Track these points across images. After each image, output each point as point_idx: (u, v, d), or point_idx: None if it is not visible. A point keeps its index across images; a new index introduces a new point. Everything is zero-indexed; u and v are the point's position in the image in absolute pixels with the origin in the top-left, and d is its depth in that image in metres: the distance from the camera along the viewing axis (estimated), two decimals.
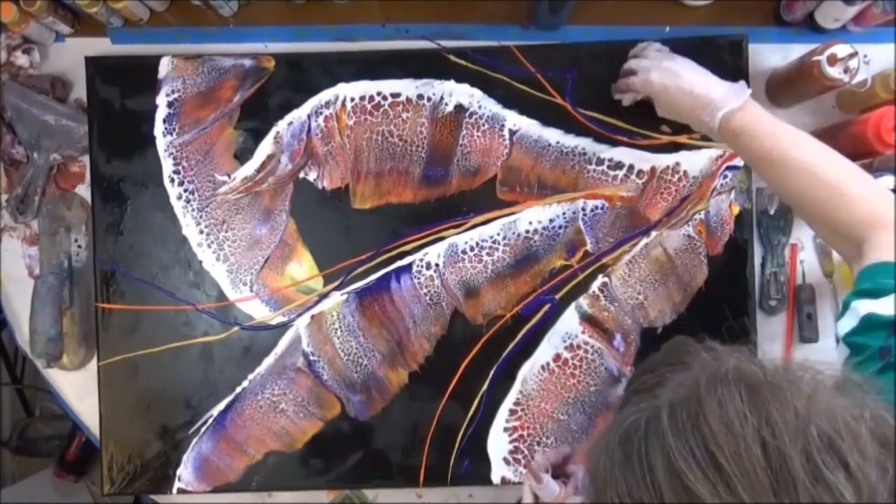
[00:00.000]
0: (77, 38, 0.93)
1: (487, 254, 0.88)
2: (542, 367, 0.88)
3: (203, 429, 0.89)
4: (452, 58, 0.88)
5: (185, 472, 0.89)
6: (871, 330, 0.50)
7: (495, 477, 0.88)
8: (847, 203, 0.59)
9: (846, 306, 0.53)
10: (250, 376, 0.89)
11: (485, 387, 0.88)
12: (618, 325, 0.88)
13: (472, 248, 0.88)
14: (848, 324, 0.52)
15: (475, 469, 0.88)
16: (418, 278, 0.88)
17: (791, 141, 0.64)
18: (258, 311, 0.89)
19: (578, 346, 0.88)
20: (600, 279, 0.88)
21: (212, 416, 0.89)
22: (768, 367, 0.40)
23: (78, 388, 0.93)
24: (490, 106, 0.88)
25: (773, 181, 0.67)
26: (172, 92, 0.89)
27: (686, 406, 0.38)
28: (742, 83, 0.70)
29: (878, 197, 0.59)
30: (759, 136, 0.65)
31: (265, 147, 0.89)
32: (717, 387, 0.38)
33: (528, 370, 0.88)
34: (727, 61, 0.88)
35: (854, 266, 0.57)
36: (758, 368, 0.39)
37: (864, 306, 0.50)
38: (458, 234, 0.88)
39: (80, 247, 0.92)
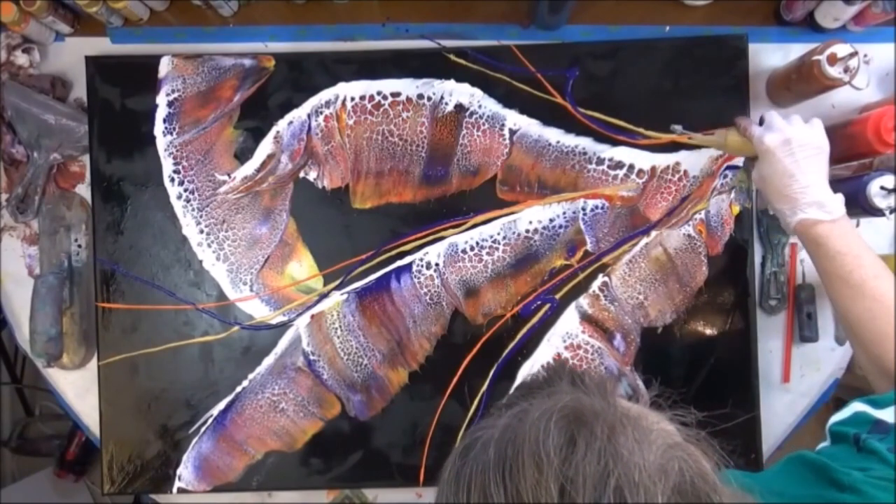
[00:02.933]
0: (77, 38, 0.93)
1: (487, 253, 0.88)
2: (543, 367, 0.88)
3: (203, 428, 0.89)
4: (452, 57, 0.88)
5: (185, 472, 0.89)
6: (857, 423, 0.51)
7: None
8: None
9: (847, 405, 0.54)
10: (250, 376, 0.89)
11: (485, 387, 0.88)
12: (618, 325, 0.88)
13: (472, 248, 0.88)
14: (839, 416, 0.53)
15: None
16: (418, 278, 0.88)
17: (874, 270, 0.64)
18: (258, 310, 0.89)
19: (578, 346, 0.88)
20: (600, 279, 0.88)
21: (212, 415, 0.89)
22: (619, 408, 0.39)
23: (78, 388, 0.93)
24: (490, 105, 0.88)
25: (840, 300, 0.66)
26: (172, 91, 0.89)
27: (512, 433, 0.38)
28: (841, 197, 0.69)
29: None
30: (842, 254, 0.65)
31: (265, 146, 0.89)
32: (545, 418, 0.37)
33: (529, 370, 0.88)
34: (727, 61, 0.88)
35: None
36: (599, 408, 0.38)
37: (861, 406, 0.51)
38: (458, 233, 0.88)
39: (80, 246, 0.92)
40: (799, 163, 0.70)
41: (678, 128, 0.80)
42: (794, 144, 0.70)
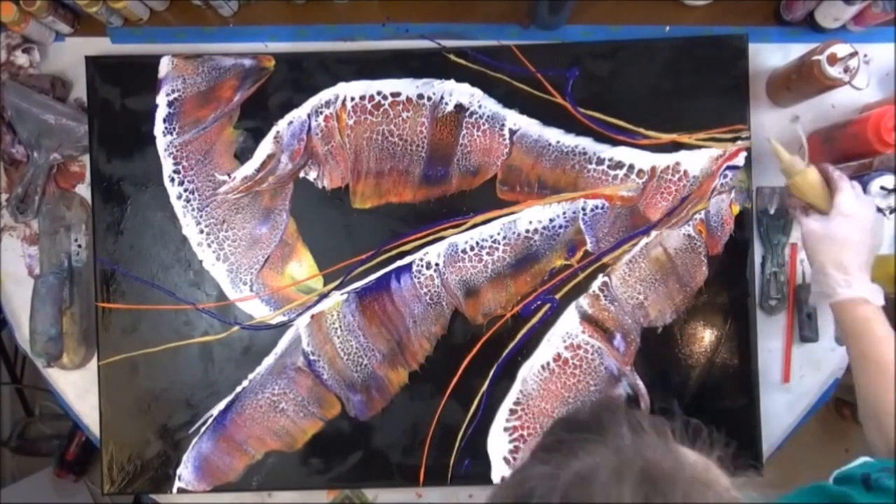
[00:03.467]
0: (77, 38, 0.93)
1: (487, 253, 0.88)
2: (543, 367, 0.88)
3: (203, 428, 0.89)
4: (452, 57, 0.88)
5: (185, 472, 0.89)
6: (864, 468, 0.51)
7: (495, 477, 0.88)
8: None
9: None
10: (250, 376, 0.89)
11: (485, 387, 0.88)
12: (618, 325, 0.88)
13: (472, 248, 0.88)
14: (846, 466, 0.53)
15: (475, 469, 0.88)
16: (418, 278, 0.88)
17: None
18: (258, 310, 0.89)
19: (578, 346, 0.88)
20: (600, 279, 0.88)
21: (212, 415, 0.89)
22: (686, 465, 0.38)
23: (78, 388, 0.93)
24: (490, 105, 0.88)
25: (876, 384, 0.65)
26: (172, 91, 0.89)
27: (581, 490, 0.37)
28: (879, 289, 0.69)
29: None
30: (886, 339, 0.66)
31: (265, 146, 0.89)
32: (616, 480, 0.36)
33: (528, 370, 0.88)
34: (727, 61, 0.88)
35: None
36: (669, 468, 0.38)
37: (869, 459, 0.52)
38: (458, 233, 0.88)
39: (80, 246, 0.92)
40: (870, 244, 0.70)
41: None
42: (877, 225, 0.71)
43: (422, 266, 0.88)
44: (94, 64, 0.90)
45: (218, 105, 0.89)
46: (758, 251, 0.90)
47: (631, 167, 0.88)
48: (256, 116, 0.89)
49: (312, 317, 0.89)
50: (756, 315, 0.88)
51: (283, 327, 0.89)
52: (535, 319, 0.88)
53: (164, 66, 0.89)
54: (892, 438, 0.63)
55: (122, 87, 0.89)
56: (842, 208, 0.71)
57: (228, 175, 0.89)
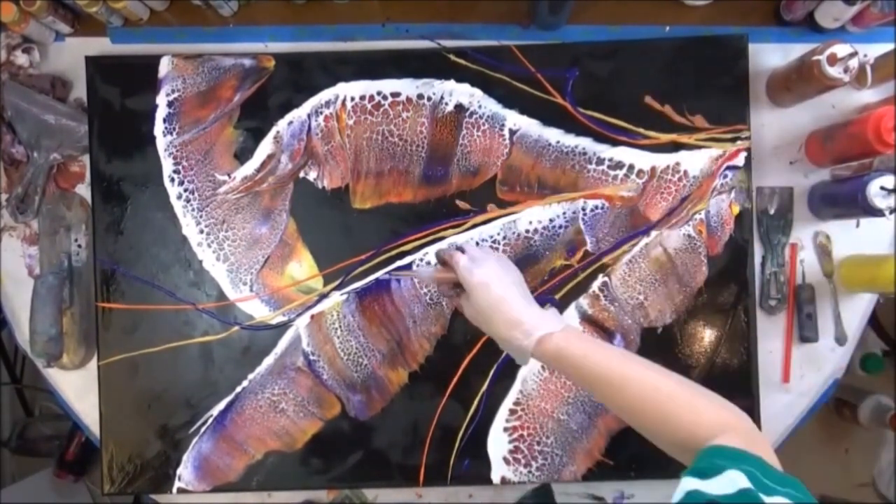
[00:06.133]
0: (77, 38, 0.93)
1: None
2: (543, 367, 0.88)
3: (203, 428, 0.89)
4: (452, 57, 0.88)
5: (185, 472, 0.89)
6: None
7: (495, 476, 0.88)
8: (691, 412, 0.58)
9: (680, 481, 0.50)
10: (250, 376, 0.89)
11: (485, 387, 0.88)
12: (618, 325, 0.88)
13: None
14: (675, 498, 0.49)
15: (475, 469, 0.88)
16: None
17: (621, 358, 0.63)
18: (258, 310, 0.89)
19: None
20: (600, 279, 0.88)
21: (212, 415, 0.89)
22: None
23: (78, 388, 0.93)
24: (490, 105, 0.88)
25: (610, 396, 0.62)
26: (172, 91, 0.89)
27: None
28: (554, 311, 0.69)
29: (724, 405, 0.59)
30: (590, 355, 0.62)
31: (265, 147, 0.89)
32: None
33: (528, 370, 0.88)
34: (727, 61, 0.88)
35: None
36: None
37: (691, 484, 0.48)
38: (457, 233, 0.88)
39: (80, 246, 0.92)
40: (511, 281, 0.69)
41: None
42: (502, 262, 0.71)
43: (422, 266, 0.88)
44: (94, 64, 0.90)
45: (218, 105, 0.89)
46: (758, 251, 0.90)
47: (631, 167, 0.88)
48: (256, 116, 0.89)
49: (312, 317, 0.89)
50: (756, 315, 0.88)
51: (282, 327, 0.89)
52: None
53: (164, 66, 0.89)
54: (658, 435, 0.60)
55: (122, 87, 0.90)
56: (469, 280, 0.69)
57: (228, 175, 0.89)
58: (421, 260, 0.88)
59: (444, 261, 0.74)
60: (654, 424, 0.60)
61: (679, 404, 0.59)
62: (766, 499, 0.45)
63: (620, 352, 0.65)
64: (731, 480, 0.46)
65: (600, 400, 0.65)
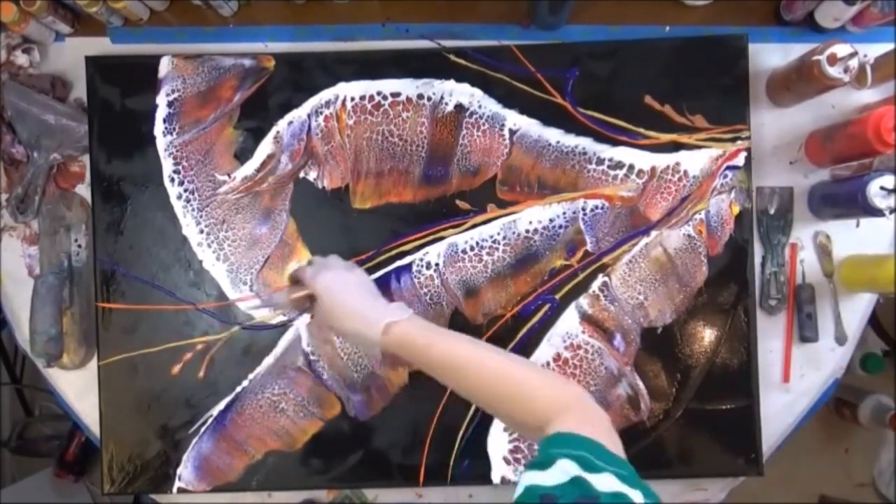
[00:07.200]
0: (77, 38, 0.93)
1: (487, 253, 0.88)
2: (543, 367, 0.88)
3: (203, 428, 0.89)
4: (452, 57, 0.88)
5: (185, 472, 0.89)
6: (530, 499, 0.47)
7: (495, 476, 0.88)
8: (529, 392, 0.59)
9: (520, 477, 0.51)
10: (250, 376, 0.89)
11: None
12: (618, 325, 0.88)
13: (472, 248, 0.88)
14: (516, 492, 0.49)
15: (475, 469, 0.88)
16: (418, 278, 0.88)
17: (466, 344, 0.64)
18: (258, 310, 0.89)
19: (578, 346, 0.88)
20: (600, 279, 0.88)
21: (212, 415, 0.89)
22: None
23: (78, 388, 0.93)
24: (490, 105, 0.88)
25: (454, 381, 0.64)
26: (172, 91, 0.89)
27: None
28: (402, 304, 0.69)
29: (559, 384, 0.60)
30: (435, 343, 0.64)
31: (265, 147, 0.89)
32: None
33: None
34: (727, 61, 0.88)
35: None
36: None
37: (529, 477, 0.48)
38: (458, 233, 0.88)
39: (80, 246, 0.92)
40: (353, 288, 0.71)
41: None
42: (346, 273, 0.73)
43: (422, 266, 0.88)
44: (94, 64, 0.90)
45: (218, 105, 0.89)
46: (758, 251, 0.90)
47: (631, 167, 0.88)
48: (256, 116, 0.89)
49: (312, 317, 0.89)
50: (756, 315, 0.88)
51: (282, 327, 0.89)
52: (535, 319, 0.88)
53: (164, 66, 0.89)
54: (508, 416, 0.62)
55: (122, 87, 0.89)
56: (314, 286, 0.71)
57: (228, 175, 0.89)
58: (421, 260, 0.88)
59: (295, 279, 0.76)
60: (496, 407, 0.62)
61: (517, 386, 0.60)
62: (593, 478, 0.46)
63: (466, 338, 0.66)
64: (563, 470, 0.47)
65: (448, 385, 0.67)
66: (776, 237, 0.89)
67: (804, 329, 0.89)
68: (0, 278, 0.94)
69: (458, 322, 0.88)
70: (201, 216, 0.89)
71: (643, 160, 0.88)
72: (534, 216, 0.88)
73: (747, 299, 0.88)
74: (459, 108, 0.88)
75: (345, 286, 0.71)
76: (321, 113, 0.89)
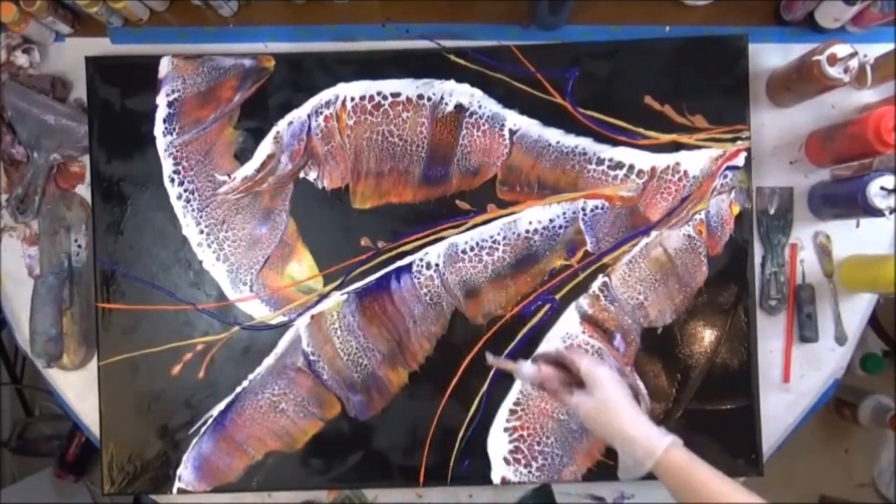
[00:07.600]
0: (77, 38, 0.93)
1: (487, 254, 0.88)
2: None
3: (203, 429, 0.89)
4: (452, 57, 0.88)
5: (185, 472, 0.89)
6: None
7: (495, 477, 0.88)
8: None
9: None
10: (250, 376, 0.89)
11: (485, 387, 0.88)
12: (618, 325, 0.88)
13: (472, 248, 0.88)
14: None
15: (475, 469, 0.88)
16: (418, 278, 0.88)
17: (719, 478, 0.63)
18: (258, 310, 0.89)
19: (579, 346, 0.88)
20: (600, 279, 0.88)
21: (212, 416, 0.89)
22: None
23: (78, 388, 0.93)
24: (490, 106, 0.88)
25: None
26: (172, 92, 0.89)
27: None
28: (663, 429, 0.66)
29: None
30: (702, 472, 0.63)
31: (265, 147, 0.89)
32: None
33: (528, 371, 0.88)
34: (727, 61, 0.88)
35: None
36: None
37: None
38: (458, 233, 0.88)
39: (80, 247, 0.92)
40: (630, 396, 0.68)
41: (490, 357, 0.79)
42: (618, 377, 0.70)
43: (422, 266, 0.88)
44: (94, 64, 0.90)
45: (218, 105, 0.89)
46: (758, 251, 0.90)
47: (631, 167, 0.88)
48: (256, 116, 0.89)
49: (312, 317, 0.89)
50: (756, 315, 0.88)
51: (282, 328, 0.89)
52: (535, 320, 0.88)
53: (164, 67, 0.89)
54: None
55: (122, 88, 0.89)
56: (593, 376, 0.68)
57: (228, 175, 0.89)
58: (421, 261, 0.88)
59: (554, 360, 0.73)
60: None
61: None
62: None
63: (715, 471, 0.64)
64: None
65: None
66: (776, 237, 0.89)
67: (804, 329, 0.89)
68: (0, 278, 0.94)
69: (458, 322, 0.88)
70: (201, 216, 0.89)
71: (643, 160, 0.88)
72: (534, 216, 0.88)
73: (747, 299, 0.88)
74: (459, 108, 0.88)
75: (624, 388, 0.68)
76: (321, 113, 0.89)
